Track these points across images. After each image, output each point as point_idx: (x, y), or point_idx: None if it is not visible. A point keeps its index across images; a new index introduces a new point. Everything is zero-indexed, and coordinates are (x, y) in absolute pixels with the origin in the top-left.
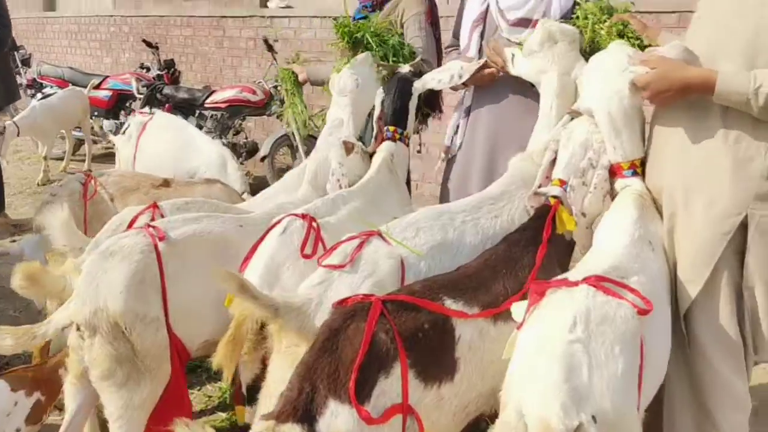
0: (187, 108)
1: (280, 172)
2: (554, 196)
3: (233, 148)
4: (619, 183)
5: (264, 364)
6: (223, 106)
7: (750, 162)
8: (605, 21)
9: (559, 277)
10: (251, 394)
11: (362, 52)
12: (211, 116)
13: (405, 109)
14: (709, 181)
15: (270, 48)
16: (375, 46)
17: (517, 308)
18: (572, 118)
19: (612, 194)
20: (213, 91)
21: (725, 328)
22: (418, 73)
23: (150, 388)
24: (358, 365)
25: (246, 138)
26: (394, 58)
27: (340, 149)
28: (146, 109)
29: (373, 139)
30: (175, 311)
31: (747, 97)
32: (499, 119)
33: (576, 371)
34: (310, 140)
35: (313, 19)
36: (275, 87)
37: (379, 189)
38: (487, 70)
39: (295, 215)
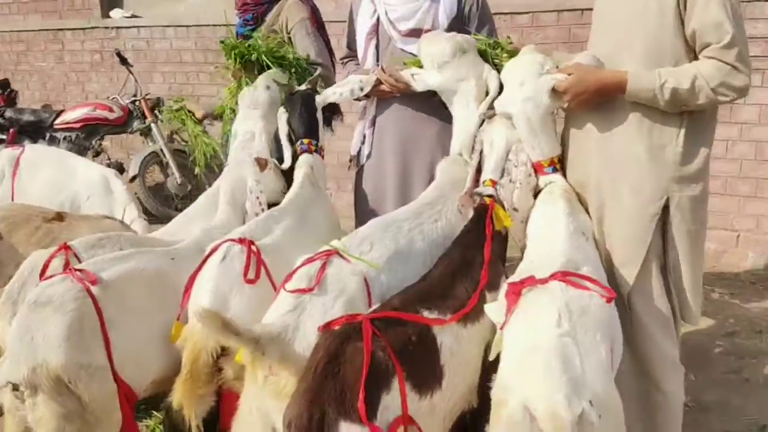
0: (34, 131)
1: (152, 191)
2: (489, 195)
3: None
4: (541, 180)
5: (218, 396)
6: (76, 126)
7: (664, 149)
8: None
9: (524, 275)
10: (207, 429)
11: (257, 71)
12: (64, 138)
13: (314, 121)
14: (631, 171)
15: (124, 61)
16: (272, 65)
17: (492, 309)
18: (484, 122)
19: (536, 190)
20: (61, 111)
21: (658, 302)
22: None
23: None
24: (364, 385)
25: (108, 159)
26: (293, 71)
27: (253, 166)
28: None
29: (288, 157)
30: (120, 356)
31: (654, 93)
32: (405, 127)
33: (570, 362)
34: (178, 154)
35: (166, 29)
36: (133, 102)
37: (306, 204)
38: (382, 87)
39: (233, 240)
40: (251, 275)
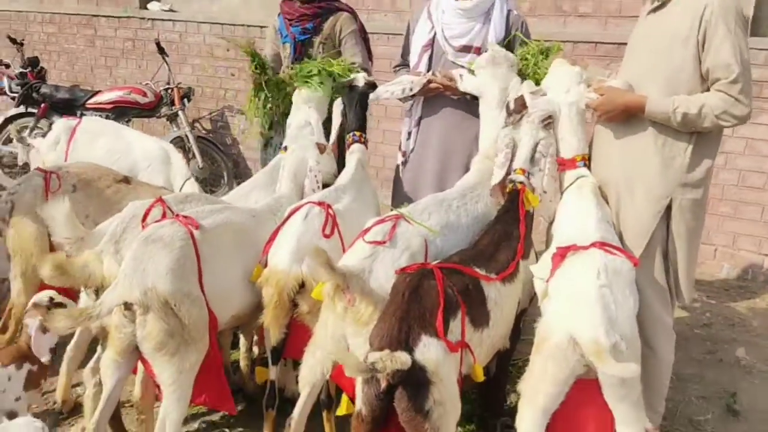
0: (66, 108)
1: None
2: (520, 182)
3: None
4: (573, 173)
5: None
6: (108, 107)
7: (673, 160)
8: (543, 60)
9: (568, 244)
10: (275, 356)
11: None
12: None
13: (364, 117)
14: (646, 175)
15: (162, 50)
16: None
17: (538, 268)
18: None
19: (562, 181)
20: (97, 92)
21: (657, 278)
22: (372, 84)
23: (196, 356)
24: (442, 310)
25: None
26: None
27: (314, 150)
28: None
29: (332, 143)
30: (209, 290)
31: (668, 115)
32: (448, 127)
33: (608, 307)
34: (200, 141)
35: (201, 25)
36: (166, 90)
37: (361, 183)
38: (432, 85)
39: (313, 203)
40: (328, 231)
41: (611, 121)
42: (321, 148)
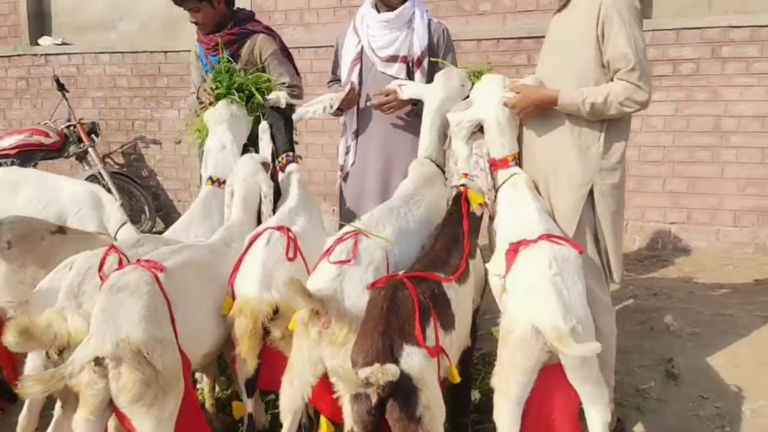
0: None
1: None
2: (462, 185)
3: None
4: (506, 171)
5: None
6: (12, 152)
7: (589, 149)
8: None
9: (511, 242)
10: (250, 388)
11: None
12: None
13: (292, 135)
14: (566, 165)
15: (61, 87)
16: (257, 93)
17: (493, 266)
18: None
19: (496, 180)
20: None
21: (592, 259)
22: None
23: (174, 402)
24: (419, 319)
25: None
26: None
27: (264, 173)
28: None
29: (277, 165)
30: (181, 332)
31: (578, 106)
32: (387, 137)
33: (562, 294)
34: (115, 176)
35: (99, 56)
36: (68, 127)
37: (307, 202)
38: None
39: (272, 228)
40: (291, 254)
41: (528, 117)
42: (266, 167)
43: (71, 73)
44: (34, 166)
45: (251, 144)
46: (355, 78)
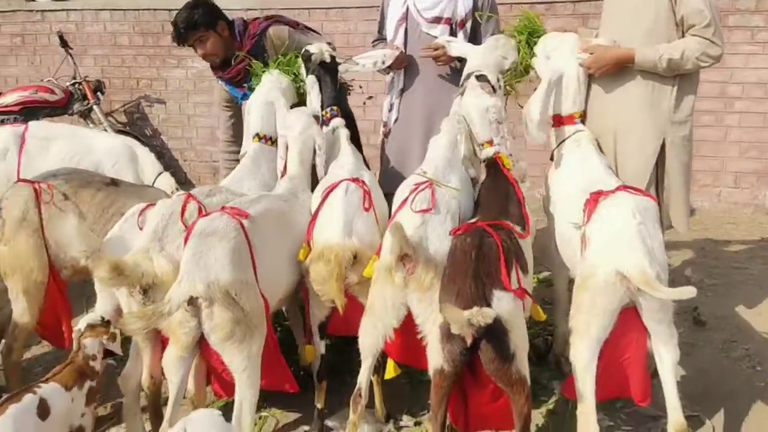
0: None
1: None
2: (494, 154)
3: None
4: (570, 128)
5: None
6: (15, 109)
7: (661, 102)
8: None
9: (596, 188)
10: (323, 331)
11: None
12: (2, 122)
13: (337, 89)
14: (638, 120)
15: (65, 43)
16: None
17: (571, 216)
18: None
19: (558, 136)
20: None
21: None
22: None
23: (259, 340)
24: (504, 265)
25: None
26: None
27: (317, 125)
28: None
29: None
30: (260, 277)
31: (655, 63)
32: (431, 95)
33: (646, 241)
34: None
35: (99, 12)
36: (73, 84)
37: (358, 156)
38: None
39: (348, 179)
40: (366, 205)
41: (603, 75)
42: (316, 120)
43: (70, 30)
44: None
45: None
46: (401, 37)
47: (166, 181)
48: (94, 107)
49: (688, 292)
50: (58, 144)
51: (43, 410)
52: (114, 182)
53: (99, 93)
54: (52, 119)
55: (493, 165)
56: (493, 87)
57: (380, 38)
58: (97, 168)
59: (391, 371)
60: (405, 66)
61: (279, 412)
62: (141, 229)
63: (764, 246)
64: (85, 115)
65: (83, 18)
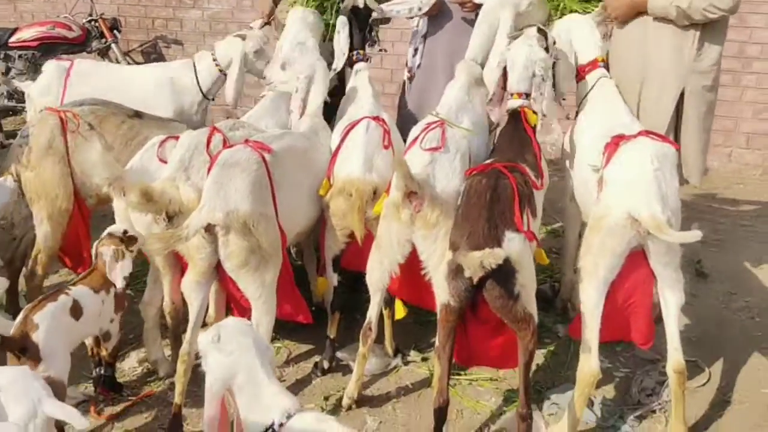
0: None
1: None
2: (519, 106)
3: None
4: (595, 72)
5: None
6: (33, 44)
7: (682, 51)
8: None
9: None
10: (336, 264)
11: None
12: (20, 56)
13: (365, 35)
14: (659, 67)
15: None
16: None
17: (590, 158)
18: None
19: (584, 87)
20: (15, 29)
21: None
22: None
23: (274, 270)
24: (518, 205)
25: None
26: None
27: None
28: None
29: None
30: (280, 210)
31: (666, 9)
32: (454, 41)
33: (661, 187)
34: None
35: None
36: (89, 22)
37: (375, 97)
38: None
39: (369, 117)
40: (386, 143)
41: (620, 20)
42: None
43: None
44: (58, 59)
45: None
46: None
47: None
48: (112, 45)
49: (693, 235)
50: (101, 79)
51: (76, 310)
52: (138, 114)
53: (116, 31)
54: (69, 56)
55: (516, 116)
56: (547, 46)
57: None
58: (144, 100)
59: (400, 311)
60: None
61: (291, 343)
62: (160, 160)
63: None
64: (103, 53)
65: None
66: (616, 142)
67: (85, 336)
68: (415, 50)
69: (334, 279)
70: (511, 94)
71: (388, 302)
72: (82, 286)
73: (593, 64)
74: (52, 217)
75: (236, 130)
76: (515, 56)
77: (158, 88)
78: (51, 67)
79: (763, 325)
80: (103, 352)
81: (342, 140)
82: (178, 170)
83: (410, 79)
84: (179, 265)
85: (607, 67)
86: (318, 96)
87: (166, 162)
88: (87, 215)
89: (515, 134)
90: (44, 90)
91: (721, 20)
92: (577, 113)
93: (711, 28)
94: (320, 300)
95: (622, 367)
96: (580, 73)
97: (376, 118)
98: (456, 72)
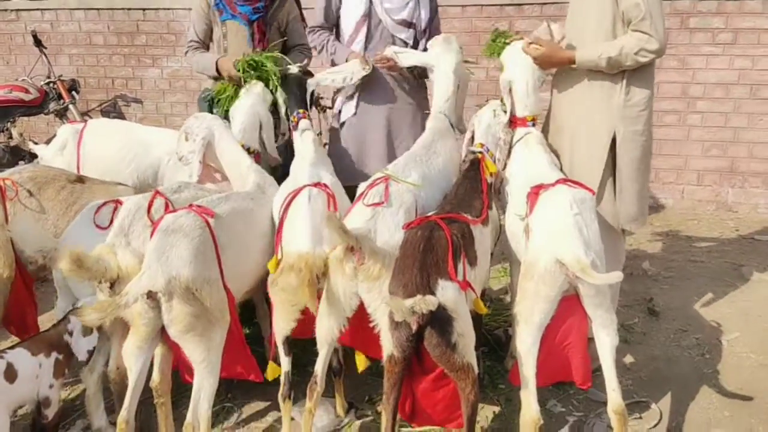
0: None
1: None
2: (479, 152)
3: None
4: (521, 130)
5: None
6: None
7: (611, 98)
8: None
9: (537, 183)
10: (288, 347)
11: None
12: None
13: (304, 97)
14: (590, 114)
15: (39, 42)
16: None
17: (515, 207)
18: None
19: (513, 137)
20: None
21: (607, 204)
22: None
23: (221, 333)
24: (452, 257)
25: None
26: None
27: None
28: None
29: (287, 130)
30: (226, 272)
31: (595, 62)
32: (389, 94)
33: (582, 231)
34: None
35: (74, 12)
36: (48, 84)
37: (323, 156)
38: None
39: (309, 185)
40: (331, 208)
41: (558, 76)
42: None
43: (45, 29)
44: (13, 122)
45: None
46: (362, 36)
47: None
48: (70, 106)
49: (615, 276)
50: (116, 140)
51: (11, 373)
52: (80, 179)
53: (74, 92)
54: (28, 119)
55: (475, 162)
56: (504, 110)
57: (322, 26)
58: (154, 164)
59: (361, 364)
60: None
61: (241, 402)
62: (97, 226)
63: (723, 242)
64: (61, 114)
65: (58, 17)
66: (536, 191)
67: (22, 400)
68: (348, 97)
69: (286, 363)
70: (475, 144)
71: (338, 370)
72: (20, 348)
73: (523, 122)
74: None
75: (181, 192)
76: (481, 117)
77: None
78: (65, 129)
79: (713, 362)
80: (44, 420)
81: (284, 212)
82: (118, 236)
83: (340, 126)
84: (127, 329)
85: (535, 123)
86: (235, 153)
87: (102, 228)
88: (30, 282)
89: (468, 182)
90: (57, 152)
91: (647, 67)
92: (505, 165)
93: (639, 72)
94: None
95: (575, 411)
96: (513, 122)
97: (317, 184)
98: (426, 125)
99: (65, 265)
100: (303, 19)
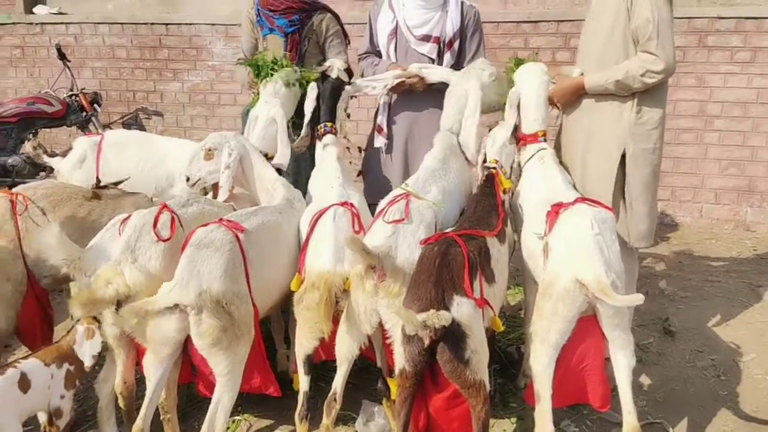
0: None
1: None
2: (493, 168)
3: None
4: (533, 146)
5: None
6: (12, 120)
7: (622, 114)
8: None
9: (557, 201)
10: (308, 366)
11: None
12: None
13: (335, 108)
14: (601, 131)
15: (63, 56)
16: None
17: (534, 226)
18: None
19: (523, 154)
20: None
21: (619, 221)
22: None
23: (245, 347)
24: (468, 273)
25: (46, 151)
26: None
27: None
28: None
29: (303, 134)
30: (253, 287)
31: (604, 87)
32: (414, 112)
33: (603, 251)
34: None
35: (98, 26)
36: (71, 96)
37: (349, 176)
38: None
39: (336, 204)
40: (357, 228)
41: (566, 104)
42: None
43: (69, 42)
44: (34, 134)
45: (295, 115)
46: (391, 53)
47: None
48: (92, 119)
49: (636, 299)
50: (133, 151)
51: (24, 383)
52: (96, 195)
53: (96, 105)
54: (49, 130)
55: (490, 179)
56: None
57: (369, 51)
58: (170, 175)
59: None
60: None
61: (252, 416)
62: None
63: (740, 261)
64: (83, 126)
65: (82, 31)
66: (556, 210)
67: (34, 410)
68: (382, 123)
69: (305, 382)
70: (489, 161)
71: (384, 391)
72: (33, 359)
73: (534, 138)
74: (4, 298)
75: (189, 207)
76: (496, 136)
77: None
78: (82, 142)
79: (729, 384)
80: (56, 430)
81: (310, 231)
82: (124, 253)
83: (366, 148)
84: (133, 344)
85: (546, 138)
86: (262, 167)
87: None
88: (42, 296)
89: (486, 199)
90: (75, 165)
91: (659, 86)
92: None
93: (650, 91)
94: (284, 369)
95: None
96: (521, 140)
97: (344, 204)
98: (434, 142)
99: (78, 311)
100: (346, 35)
